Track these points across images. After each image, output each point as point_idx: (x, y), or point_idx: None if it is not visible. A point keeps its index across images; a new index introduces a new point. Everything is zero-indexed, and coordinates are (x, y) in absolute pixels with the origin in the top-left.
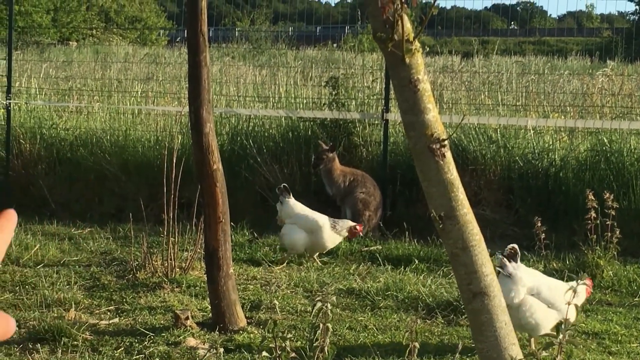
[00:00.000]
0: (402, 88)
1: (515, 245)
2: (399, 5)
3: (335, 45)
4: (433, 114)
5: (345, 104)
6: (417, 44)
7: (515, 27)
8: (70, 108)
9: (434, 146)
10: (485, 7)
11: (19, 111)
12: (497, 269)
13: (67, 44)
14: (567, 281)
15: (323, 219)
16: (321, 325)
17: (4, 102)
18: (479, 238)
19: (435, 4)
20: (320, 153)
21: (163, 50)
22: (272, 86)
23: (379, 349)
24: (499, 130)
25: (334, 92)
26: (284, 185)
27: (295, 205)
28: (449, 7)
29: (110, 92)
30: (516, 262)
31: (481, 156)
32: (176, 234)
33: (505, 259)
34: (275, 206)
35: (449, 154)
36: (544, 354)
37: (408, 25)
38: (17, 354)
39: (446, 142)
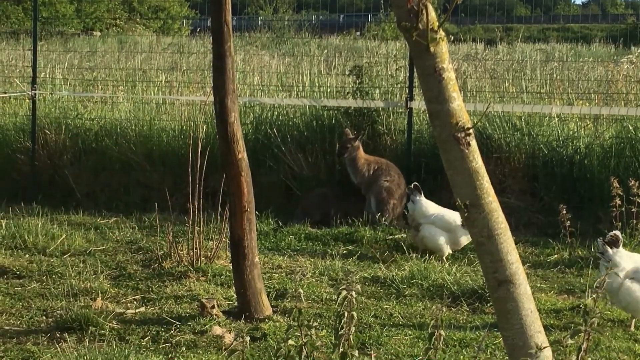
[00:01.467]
0: (426, 77)
1: (618, 232)
2: None
3: (358, 33)
4: (458, 103)
5: (369, 92)
6: (441, 33)
7: (540, 14)
8: (94, 98)
9: (458, 135)
10: None
11: (44, 102)
12: (598, 254)
13: (91, 34)
14: (592, 269)
15: (457, 216)
16: (346, 313)
17: (30, 93)
18: (504, 226)
19: None
20: (344, 142)
21: (186, 39)
22: (296, 75)
23: (404, 337)
24: (523, 118)
25: (357, 81)
26: (414, 185)
27: (429, 205)
28: None
29: (134, 82)
30: (617, 247)
31: (505, 144)
32: (201, 223)
33: (606, 245)
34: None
35: (474, 143)
36: (570, 341)
37: (432, 14)
38: (45, 343)
39: (471, 131)
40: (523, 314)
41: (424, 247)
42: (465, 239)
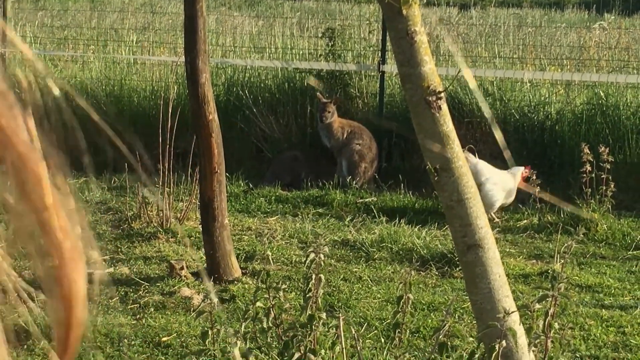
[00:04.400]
0: (398, 40)
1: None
2: None
3: None
4: (430, 66)
5: (342, 55)
6: None
7: None
8: (65, 57)
9: (430, 98)
10: None
11: (14, 60)
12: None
13: None
14: (561, 234)
15: (509, 177)
16: (314, 275)
17: None
18: (474, 191)
19: None
20: (324, 106)
21: None
22: (269, 37)
23: (373, 300)
24: (495, 83)
25: (330, 44)
26: (469, 147)
27: (485, 165)
28: None
29: (105, 42)
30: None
31: (477, 109)
32: (171, 185)
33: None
34: None
35: (445, 107)
36: (538, 306)
37: None
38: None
39: (442, 95)
40: (491, 279)
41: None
42: (511, 199)
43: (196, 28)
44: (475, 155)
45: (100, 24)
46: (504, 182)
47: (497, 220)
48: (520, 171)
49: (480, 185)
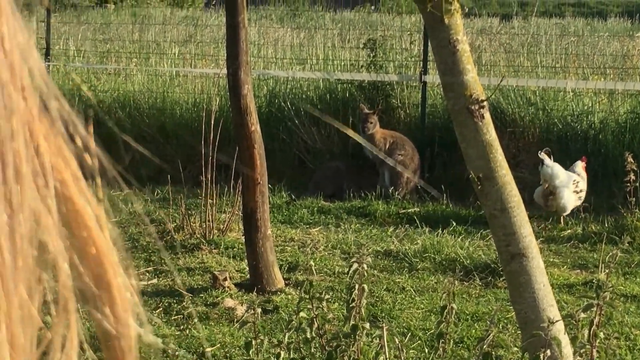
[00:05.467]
0: (441, 49)
1: None
2: None
3: (372, 7)
4: (472, 75)
5: (383, 66)
6: (456, 4)
7: None
8: (108, 70)
9: (472, 107)
10: None
11: (58, 73)
12: None
13: (105, 7)
14: (605, 244)
15: (581, 176)
16: (357, 286)
17: (44, 64)
18: (517, 199)
19: None
20: (366, 117)
21: (200, 12)
22: (310, 48)
23: (417, 311)
24: (537, 92)
25: (371, 54)
26: (546, 150)
27: (560, 169)
28: None
29: (148, 54)
30: None
31: (520, 118)
32: (214, 196)
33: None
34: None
35: (487, 115)
36: (583, 315)
37: None
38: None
39: (485, 103)
40: (536, 288)
41: (556, 208)
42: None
43: (238, 40)
44: (551, 158)
45: (143, 37)
46: (578, 184)
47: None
48: (580, 166)
49: (555, 189)
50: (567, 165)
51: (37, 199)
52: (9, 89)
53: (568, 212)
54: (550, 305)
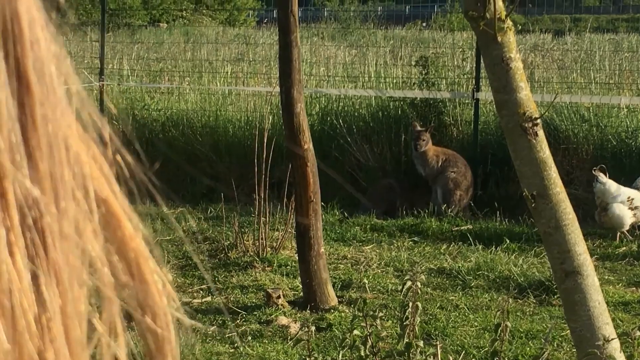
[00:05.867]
0: (494, 66)
1: None
2: None
3: (424, 24)
4: (525, 93)
5: (436, 83)
6: (509, 22)
7: (609, 5)
8: (161, 89)
9: (526, 125)
10: None
11: (112, 93)
12: None
13: (158, 26)
14: None
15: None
16: (411, 303)
17: (97, 84)
18: (572, 217)
19: None
20: (419, 134)
21: (252, 30)
22: (362, 66)
23: (470, 329)
24: (591, 109)
25: (424, 72)
26: (600, 167)
27: (615, 185)
28: None
29: (200, 73)
30: None
31: (573, 135)
32: (267, 214)
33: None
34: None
35: (541, 133)
36: (639, 333)
37: (500, 3)
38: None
39: (539, 121)
40: (591, 306)
41: (611, 225)
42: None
43: (291, 58)
44: (606, 175)
45: (195, 56)
46: (633, 201)
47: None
48: None
49: (608, 205)
50: (622, 181)
51: (80, 201)
52: (46, 96)
53: (624, 228)
54: (605, 324)
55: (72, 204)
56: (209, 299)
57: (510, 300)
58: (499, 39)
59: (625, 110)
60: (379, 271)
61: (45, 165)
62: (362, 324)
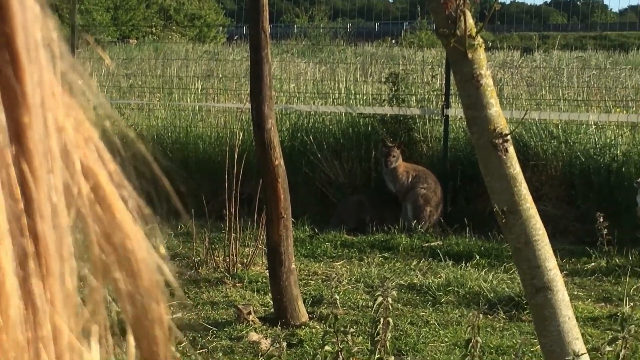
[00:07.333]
0: (464, 83)
1: None
2: (462, 1)
3: (393, 41)
4: (496, 109)
5: (406, 99)
6: (479, 39)
7: (576, 22)
8: (131, 105)
9: (496, 141)
10: (545, 2)
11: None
12: None
13: (127, 42)
14: (630, 277)
15: None
16: (382, 319)
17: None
18: (542, 232)
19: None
20: (389, 151)
21: (222, 47)
22: (332, 82)
23: (441, 344)
24: (560, 125)
25: (393, 88)
26: None
27: None
28: (508, 1)
29: (170, 89)
30: None
31: (542, 152)
32: (238, 230)
33: None
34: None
35: (511, 149)
36: (608, 348)
37: (470, 20)
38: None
39: (509, 137)
40: (561, 321)
41: None
42: None
43: (262, 74)
44: None
45: (165, 72)
46: None
47: None
48: None
49: None
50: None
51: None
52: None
53: None
54: (575, 339)
55: (59, 179)
56: (179, 315)
57: (481, 315)
58: (470, 56)
59: (594, 126)
60: (350, 287)
61: (34, 141)
62: (333, 339)
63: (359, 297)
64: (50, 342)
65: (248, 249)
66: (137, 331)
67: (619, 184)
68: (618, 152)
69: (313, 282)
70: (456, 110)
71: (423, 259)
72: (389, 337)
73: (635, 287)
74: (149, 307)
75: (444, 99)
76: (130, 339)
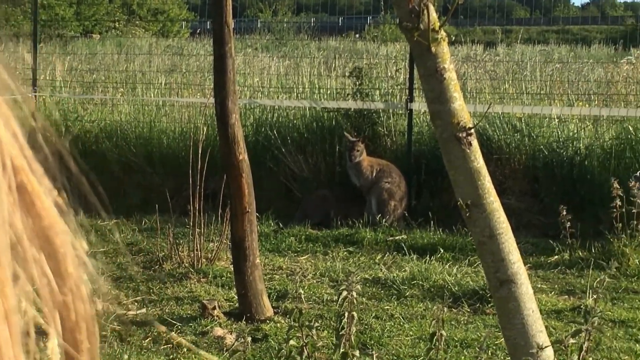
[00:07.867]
0: (428, 77)
1: None
2: None
3: (357, 35)
4: (459, 103)
5: (369, 94)
6: (442, 33)
7: (539, 17)
8: (94, 100)
9: (460, 134)
10: None
11: (44, 104)
12: None
13: (90, 37)
14: (593, 269)
15: None
16: (347, 313)
17: (30, 95)
18: (505, 226)
19: None
20: (353, 145)
21: (185, 42)
22: (296, 77)
23: (406, 338)
24: (523, 119)
25: (357, 83)
26: None
27: None
28: None
29: (134, 84)
30: None
31: (506, 145)
32: (202, 225)
33: None
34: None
35: (475, 142)
36: (572, 341)
37: (434, 14)
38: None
39: (472, 131)
40: (525, 314)
41: None
42: None
43: (225, 69)
44: None
45: (128, 67)
46: None
47: None
48: None
49: None
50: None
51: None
52: None
53: None
54: (539, 331)
55: None
56: (143, 310)
57: (445, 309)
58: (433, 49)
59: (557, 120)
60: (315, 281)
61: None
62: (298, 334)
63: (323, 291)
64: None
65: (212, 244)
66: (63, 323)
67: (581, 177)
68: (581, 145)
69: (278, 276)
70: (420, 104)
71: (387, 253)
72: (354, 331)
73: (598, 279)
74: (74, 301)
75: (407, 93)
76: (52, 332)
